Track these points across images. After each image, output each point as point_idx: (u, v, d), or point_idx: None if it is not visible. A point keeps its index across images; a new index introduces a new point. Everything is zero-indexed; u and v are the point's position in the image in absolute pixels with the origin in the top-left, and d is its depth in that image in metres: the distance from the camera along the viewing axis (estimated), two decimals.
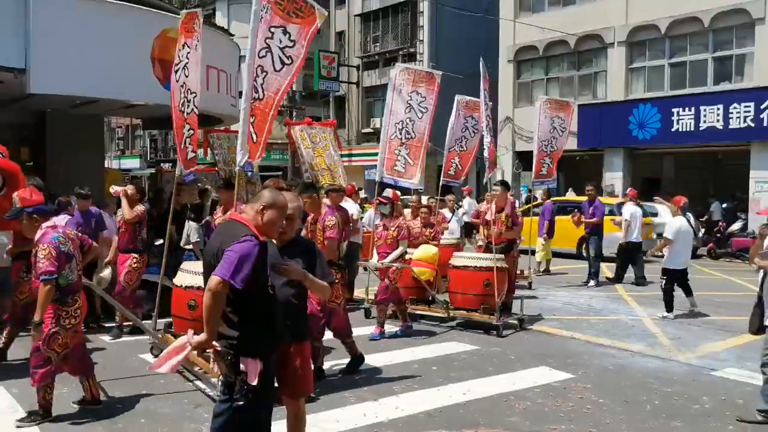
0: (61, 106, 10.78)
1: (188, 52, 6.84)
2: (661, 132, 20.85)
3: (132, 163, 44.19)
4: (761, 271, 5.89)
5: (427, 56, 28.42)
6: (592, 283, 12.52)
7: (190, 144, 6.92)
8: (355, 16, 31.53)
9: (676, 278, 9.61)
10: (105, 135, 22.23)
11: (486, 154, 9.02)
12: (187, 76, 6.82)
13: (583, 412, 5.51)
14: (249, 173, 8.13)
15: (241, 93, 8.07)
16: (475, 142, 11.33)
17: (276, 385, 3.71)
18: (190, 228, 9.30)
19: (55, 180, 11.18)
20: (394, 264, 8.15)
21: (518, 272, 11.60)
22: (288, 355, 3.80)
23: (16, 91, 9.01)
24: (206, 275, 3.30)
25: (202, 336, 3.24)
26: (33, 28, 8.07)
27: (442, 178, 11.38)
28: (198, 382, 5.92)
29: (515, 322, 8.80)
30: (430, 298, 9.15)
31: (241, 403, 3.26)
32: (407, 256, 8.62)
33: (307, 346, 4.01)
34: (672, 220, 9.72)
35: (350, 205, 10.62)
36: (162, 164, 42.07)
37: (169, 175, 13.92)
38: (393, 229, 8.40)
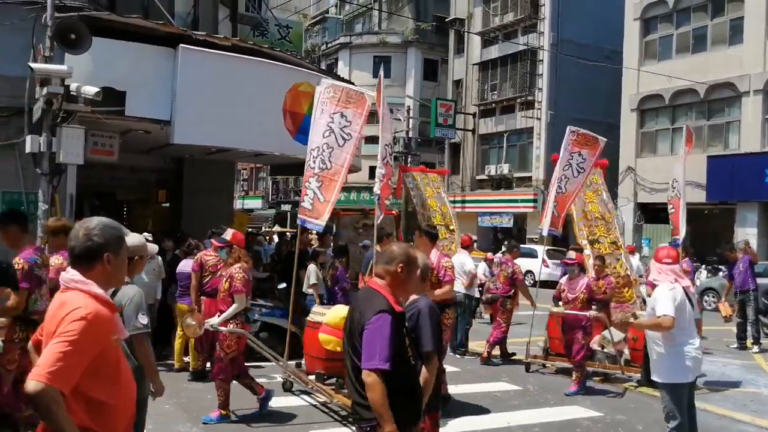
0: (197, 153, 11.53)
1: None
2: None
3: (254, 203, 46.43)
4: None
5: (545, 104, 28.12)
6: (755, 348, 11.67)
7: None
8: (473, 65, 31.78)
9: None
10: None
11: (376, 189, 7.07)
12: None
13: None
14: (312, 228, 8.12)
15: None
16: (576, 184, 9.33)
17: None
18: (309, 271, 9.42)
19: (189, 219, 12.05)
20: (228, 326, 6.29)
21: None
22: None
23: (160, 140, 9.75)
24: (348, 343, 3.30)
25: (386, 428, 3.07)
26: (179, 84, 8.74)
27: (545, 228, 9.40)
28: None
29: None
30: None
31: None
32: (320, 319, 6.94)
33: (436, 416, 3.93)
34: None
35: (465, 258, 10.46)
36: (283, 205, 43.66)
37: (347, 219, 13.54)
38: (225, 279, 6.57)
